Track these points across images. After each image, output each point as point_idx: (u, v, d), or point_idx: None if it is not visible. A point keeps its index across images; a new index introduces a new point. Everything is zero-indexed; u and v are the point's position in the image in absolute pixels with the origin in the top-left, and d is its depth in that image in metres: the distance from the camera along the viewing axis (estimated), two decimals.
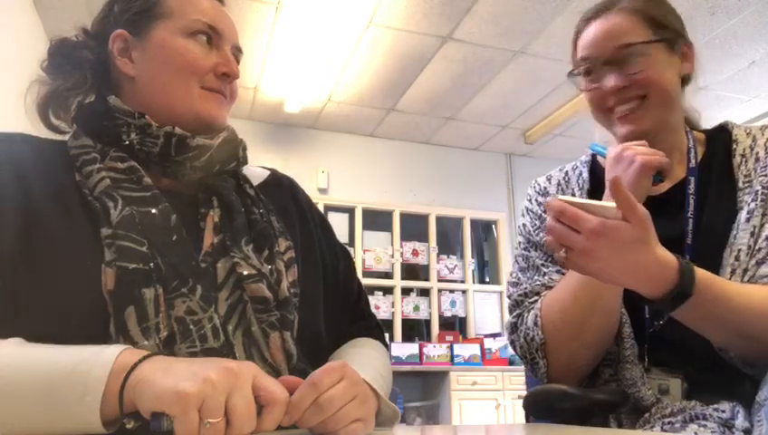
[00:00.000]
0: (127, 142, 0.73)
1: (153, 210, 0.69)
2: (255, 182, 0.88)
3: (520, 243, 1.03)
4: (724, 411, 0.76)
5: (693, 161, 0.95)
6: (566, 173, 1.10)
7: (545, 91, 4.03)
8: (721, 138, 0.99)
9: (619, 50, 0.93)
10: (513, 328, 0.95)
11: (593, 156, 1.10)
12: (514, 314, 0.96)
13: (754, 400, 0.68)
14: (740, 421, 0.73)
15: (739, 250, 0.85)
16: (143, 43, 0.79)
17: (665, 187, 0.95)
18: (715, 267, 0.83)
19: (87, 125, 0.77)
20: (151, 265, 0.63)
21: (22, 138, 0.76)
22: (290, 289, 0.73)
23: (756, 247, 0.85)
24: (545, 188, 1.09)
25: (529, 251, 1.00)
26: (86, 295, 0.60)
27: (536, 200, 1.08)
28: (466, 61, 3.69)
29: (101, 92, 0.79)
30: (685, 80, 0.98)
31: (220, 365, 0.50)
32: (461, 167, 5.08)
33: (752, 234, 0.85)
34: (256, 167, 0.95)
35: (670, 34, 0.96)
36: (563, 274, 0.94)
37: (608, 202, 0.71)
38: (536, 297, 0.95)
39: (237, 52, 0.85)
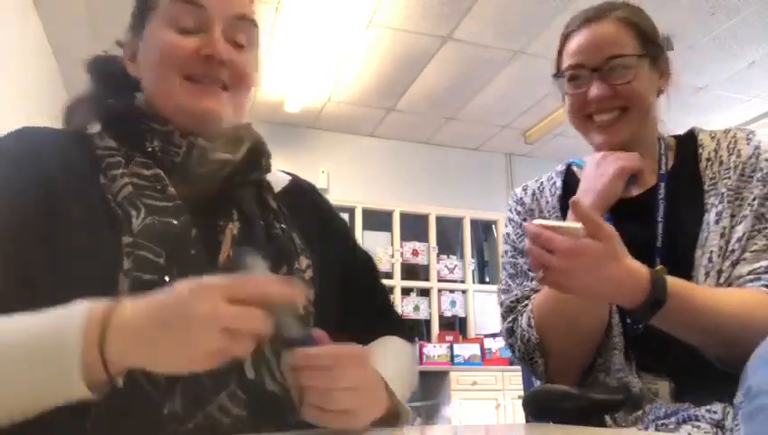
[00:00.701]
0: (150, 149, 0.70)
1: (174, 221, 0.66)
2: (276, 189, 0.83)
3: (507, 251, 1.07)
4: (715, 413, 0.77)
5: (663, 168, 0.99)
6: (541, 183, 1.14)
7: (545, 91, 4.03)
8: (689, 144, 1.02)
9: (609, 60, 0.95)
10: (510, 332, 0.98)
11: (568, 166, 1.15)
12: (509, 319, 0.98)
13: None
14: (730, 422, 0.74)
15: (711, 252, 0.88)
16: (141, 42, 0.76)
17: (637, 192, 0.99)
18: (687, 269, 0.87)
19: (112, 127, 0.74)
20: (166, 277, 0.61)
21: (48, 133, 0.74)
22: (305, 308, 0.70)
23: (729, 249, 0.87)
24: (521, 198, 1.12)
25: (516, 258, 1.03)
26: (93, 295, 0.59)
27: (515, 210, 1.12)
28: (466, 61, 3.69)
29: (126, 96, 0.77)
30: (659, 92, 1.03)
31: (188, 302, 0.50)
32: (461, 167, 5.08)
33: (722, 235, 0.88)
34: (277, 171, 0.90)
35: (656, 50, 1.00)
36: None
37: (574, 223, 0.77)
38: (527, 301, 0.97)
39: (238, 23, 0.74)
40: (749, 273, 0.85)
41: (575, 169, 1.13)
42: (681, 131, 1.07)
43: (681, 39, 3.71)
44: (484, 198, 5.09)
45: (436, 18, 3.24)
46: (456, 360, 4.24)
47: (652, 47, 1.00)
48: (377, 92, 4.11)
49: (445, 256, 4.93)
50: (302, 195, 0.89)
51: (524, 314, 0.94)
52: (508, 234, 1.08)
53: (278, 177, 0.89)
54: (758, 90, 3.99)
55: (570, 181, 1.10)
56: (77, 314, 0.50)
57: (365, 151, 4.76)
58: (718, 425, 0.75)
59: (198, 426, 0.58)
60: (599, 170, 0.94)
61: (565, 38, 1.03)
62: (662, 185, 0.96)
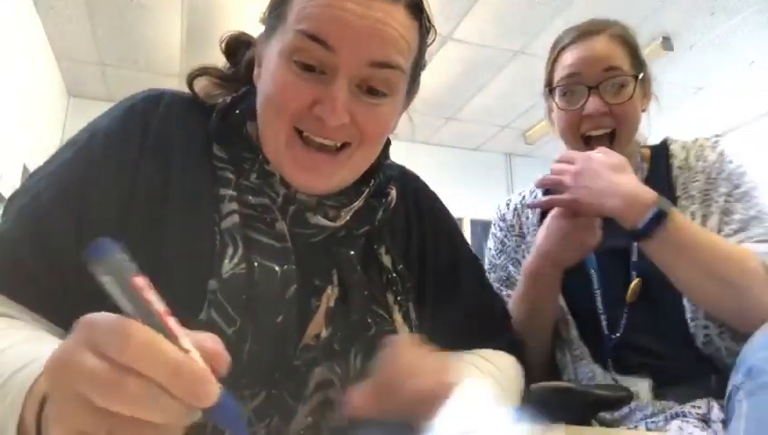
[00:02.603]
0: (252, 181, 0.61)
1: (277, 268, 0.56)
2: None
3: (484, 264, 1.12)
4: (700, 407, 0.80)
5: (640, 179, 1.02)
6: (523, 197, 1.17)
7: None
8: (662, 154, 1.06)
9: (606, 73, 0.97)
10: None
11: None
12: None
13: (724, 393, 0.72)
14: (716, 414, 0.77)
15: None
16: (266, 53, 0.62)
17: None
18: (662, 276, 0.89)
19: (223, 138, 0.63)
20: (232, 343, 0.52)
21: (181, 104, 0.65)
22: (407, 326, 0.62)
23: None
24: (504, 214, 1.16)
25: (490, 273, 1.11)
26: None
27: (498, 225, 1.15)
28: (466, 61, 3.69)
29: (247, 103, 0.65)
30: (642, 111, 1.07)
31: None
32: (461, 167, 5.08)
33: None
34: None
35: (644, 70, 1.02)
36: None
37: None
38: None
39: (378, 71, 0.58)
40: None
41: None
42: (680, 131, 1.11)
43: (681, 39, 3.73)
44: (484, 199, 5.08)
45: (437, 18, 3.22)
46: None
47: (642, 67, 1.02)
48: None
49: None
50: (405, 202, 0.77)
51: None
52: (489, 248, 1.14)
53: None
54: (758, 90, 3.99)
55: (550, 192, 1.10)
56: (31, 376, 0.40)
57: None
58: (703, 419, 0.78)
59: None
60: (555, 234, 0.91)
61: (559, 52, 1.03)
62: None
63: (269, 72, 0.60)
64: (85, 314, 0.34)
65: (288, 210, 0.61)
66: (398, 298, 0.64)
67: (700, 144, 1.04)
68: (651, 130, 1.10)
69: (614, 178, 0.82)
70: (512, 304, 0.97)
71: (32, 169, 0.64)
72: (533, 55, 3.59)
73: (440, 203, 0.84)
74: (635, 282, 0.92)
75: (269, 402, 0.55)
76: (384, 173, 0.71)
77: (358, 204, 0.65)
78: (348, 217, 0.64)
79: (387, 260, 0.66)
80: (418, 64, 0.69)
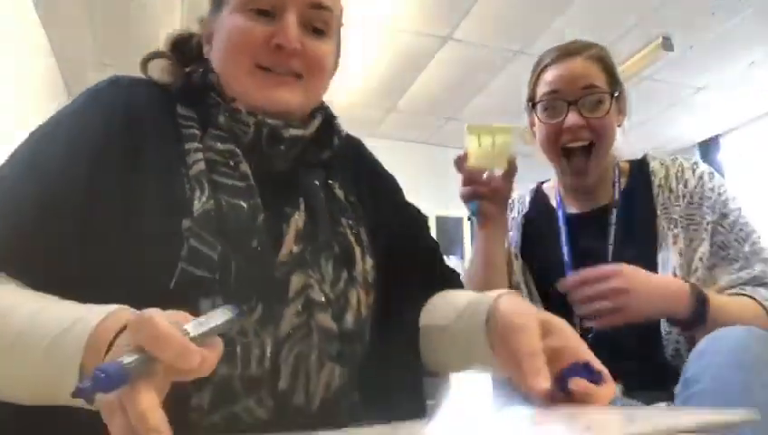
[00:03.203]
0: (221, 122, 0.68)
1: (243, 204, 0.63)
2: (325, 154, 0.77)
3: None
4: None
5: (617, 194, 1.12)
6: (512, 201, 1.26)
7: None
8: (641, 170, 1.15)
9: (584, 90, 1.06)
10: None
11: (538, 186, 1.30)
12: None
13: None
14: None
15: (674, 268, 1.00)
16: (216, 24, 0.74)
17: (589, 207, 1.14)
18: None
19: (189, 96, 0.71)
20: (217, 275, 0.58)
21: (140, 82, 0.73)
22: (360, 316, 0.68)
23: (693, 267, 1.01)
24: None
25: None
26: (150, 281, 0.56)
27: None
28: (466, 61, 3.69)
29: (201, 72, 0.73)
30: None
31: None
32: None
33: (680, 254, 1.01)
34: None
35: (620, 88, 1.11)
36: None
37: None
38: None
39: (315, 11, 0.71)
40: (728, 284, 0.99)
41: (545, 188, 1.27)
42: (679, 131, 1.23)
43: (681, 39, 3.72)
44: None
45: (437, 18, 3.24)
46: None
47: (618, 86, 1.11)
48: (377, 92, 4.11)
49: (445, 256, 4.92)
50: (356, 157, 0.87)
51: None
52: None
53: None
54: (758, 90, 3.99)
55: (538, 200, 1.25)
56: (90, 324, 0.47)
57: None
58: None
59: (221, 420, 0.58)
60: None
61: (541, 70, 1.14)
62: (614, 211, 1.09)
63: (225, 30, 0.71)
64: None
65: (262, 135, 0.68)
66: (350, 222, 0.73)
67: (680, 165, 1.10)
68: (627, 144, 1.18)
69: (653, 285, 0.92)
70: (466, 270, 1.10)
71: None
72: (533, 55, 3.57)
73: (380, 165, 0.94)
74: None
75: (266, 313, 0.61)
76: (328, 112, 0.81)
77: (317, 122, 0.75)
78: (315, 128, 0.74)
79: (340, 193, 0.75)
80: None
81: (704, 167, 1.11)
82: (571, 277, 0.93)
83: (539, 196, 1.28)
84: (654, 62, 3.45)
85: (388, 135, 4.84)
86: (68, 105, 0.69)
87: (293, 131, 0.70)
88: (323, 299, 0.64)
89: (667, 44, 3.30)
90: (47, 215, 0.58)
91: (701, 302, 0.90)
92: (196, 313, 0.47)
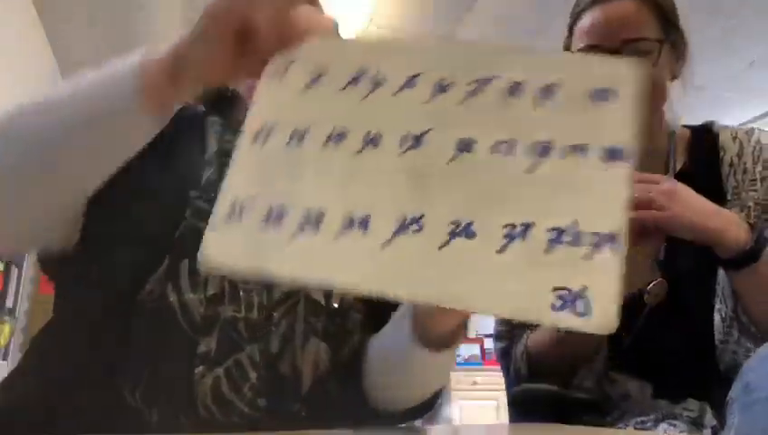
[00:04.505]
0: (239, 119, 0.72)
1: None
2: None
3: None
4: (692, 410, 0.77)
5: (671, 168, 0.89)
6: None
7: None
8: (705, 141, 0.92)
9: (629, 43, 0.83)
10: (504, 355, 0.95)
11: None
12: (503, 344, 0.97)
13: (720, 400, 0.68)
14: (708, 419, 0.75)
15: None
16: None
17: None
18: (699, 283, 0.81)
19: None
20: None
21: None
22: (349, 298, 0.69)
23: None
24: None
25: None
26: (155, 236, 0.61)
27: None
28: None
29: None
30: (672, 78, 0.93)
31: None
32: None
33: None
34: None
35: (677, 35, 0.90)
36: None
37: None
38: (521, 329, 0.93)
39: None
40: None
41: None
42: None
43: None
44: None
45: (437, 18, 3.24)
46: (456, 360, 4.25)
47: (673, 32, 0.88)
48: None
49: None
50: None
51: (519, 346, 0.91)
52: None
53: None
54: (758, 90, 3.99)
55: None
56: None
57: None
58: (694, 422, 0.75)
59: (226, 372, 0.59)
60: None
61: (576, 16, 0.93)
62: None
63: None
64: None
65: None
66: None
67: (757, 140, 0.88)
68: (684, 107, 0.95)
69: (707, 202, 0.74)
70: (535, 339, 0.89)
71: None
72: None
73: None
74: (656, 282, 0.83)
75: None
76: None
77: None
78: None
79: None
80: None
81: None
82: None
83: None
84: None
85: None
86: None
87: None
88: None
89: None
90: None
91: (762, 238, 0.72)
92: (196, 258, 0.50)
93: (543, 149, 0.43)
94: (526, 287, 0.38)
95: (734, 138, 0.90)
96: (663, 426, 0.76)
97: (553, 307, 0.37)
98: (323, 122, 0.46)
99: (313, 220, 0.43)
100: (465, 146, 0.44)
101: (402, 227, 0.41)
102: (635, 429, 0.78)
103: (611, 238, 0.39)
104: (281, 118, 0.48)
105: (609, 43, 0.85)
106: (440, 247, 0.40)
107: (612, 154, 0.43)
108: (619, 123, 0.44)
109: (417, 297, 0.45)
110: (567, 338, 0.84)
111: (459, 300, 0.40)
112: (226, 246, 0.45)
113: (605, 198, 0.41)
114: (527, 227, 0.40)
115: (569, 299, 0.37)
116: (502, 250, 0.40)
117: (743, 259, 0.72)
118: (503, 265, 0.39)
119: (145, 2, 3.06)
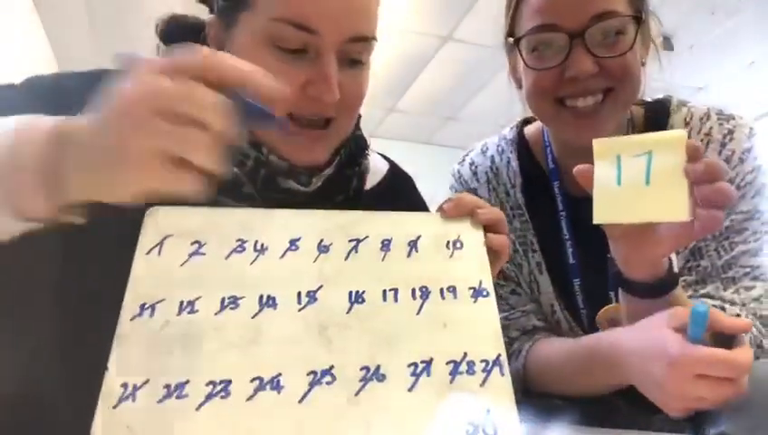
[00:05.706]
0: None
1: None
2: (370, 182, 0.73)
3: None
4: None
5: None
6: (492, 160, 0.93)
7: None
8: (659, 120, 0.82)
9: (596, 20, 0.69)
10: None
11: (520, 132, 0.93)
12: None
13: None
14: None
15: (678, 252, 0.76)
16: (230, 40, 0.60)
17: None
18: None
19: None
20: None
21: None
22: None
23: (696, 264, 0.76)
24: (475, 188, 0.93)
25: None
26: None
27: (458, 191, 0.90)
28: (466, 61, 3.68)
29: None
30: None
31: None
32: None
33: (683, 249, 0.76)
34: (375, 154, 0.78)
35: (647, 10, 0.76)
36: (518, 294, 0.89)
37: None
38: (516, 332, 0.88)
39: (356, 44, 0.59)
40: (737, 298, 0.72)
41: (529, 135, 0.89)
42: None
43: (681, 39, 3.71)
44: None
45: (437, 18, 3.24)
46: None
47: (644, 5, 0.75)
48: (377, 92, 4.10)
49: None
50: (398, 191, 0.79)
51: (521, 354, 0.85)
52: None
53: (375, 166, 0.77)
54: (758, 90, 3.99)
55: (525, 159, 0.89)
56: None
57: None
58: None
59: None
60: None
61: None
62: None
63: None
64: None
65: (259, 174, 0.62)
66: None
67: (710, 129, 0.77)
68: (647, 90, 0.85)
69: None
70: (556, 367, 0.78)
71: None
72: None
73: (424, 205, 0.84)
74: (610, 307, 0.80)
75: None
76: (356, 143, 0.73)
77: (329, 171, 0.67)
78: (320, 184, 0.66)
79: None
80: None
81: (739, 140, 0.76)
82: None
83: (524, 149, 0.91)
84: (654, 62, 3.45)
85: (388, 135, 4.83)
86: None
87: (292, 184, 0.63)
88: None
89: (667, 44, 3.30)
90: None
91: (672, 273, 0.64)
92: None
93: (423, 293, 0.51)
94: (440, 423, 0.43)
95: (687, 122, 0.80)
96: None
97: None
98: (214, 291, 0.48)
99: (220, 388, 0.43)
100: (357, 297, 0.49)
101: (315, 381, 0.44)
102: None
103: (497, 362, 0.47)
104: (166, 293, 0.47)
105: (571, 21, 0.69)
106: (356, 394, 0.44)
107: (477, 293, 0.52)
108: (476, 267, 0.54)
109: None
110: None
111: None
112: (120, 426, 0.41)
113: (482, 329, 0.49)
114: (428, 363, 0.46)
115: (478, 424, 0.43)
116: (412, 388, 0.45)
117: (652, 290, 0.64)
118: (417, 402, 0.44)
119: (145, 2, 3.06)
